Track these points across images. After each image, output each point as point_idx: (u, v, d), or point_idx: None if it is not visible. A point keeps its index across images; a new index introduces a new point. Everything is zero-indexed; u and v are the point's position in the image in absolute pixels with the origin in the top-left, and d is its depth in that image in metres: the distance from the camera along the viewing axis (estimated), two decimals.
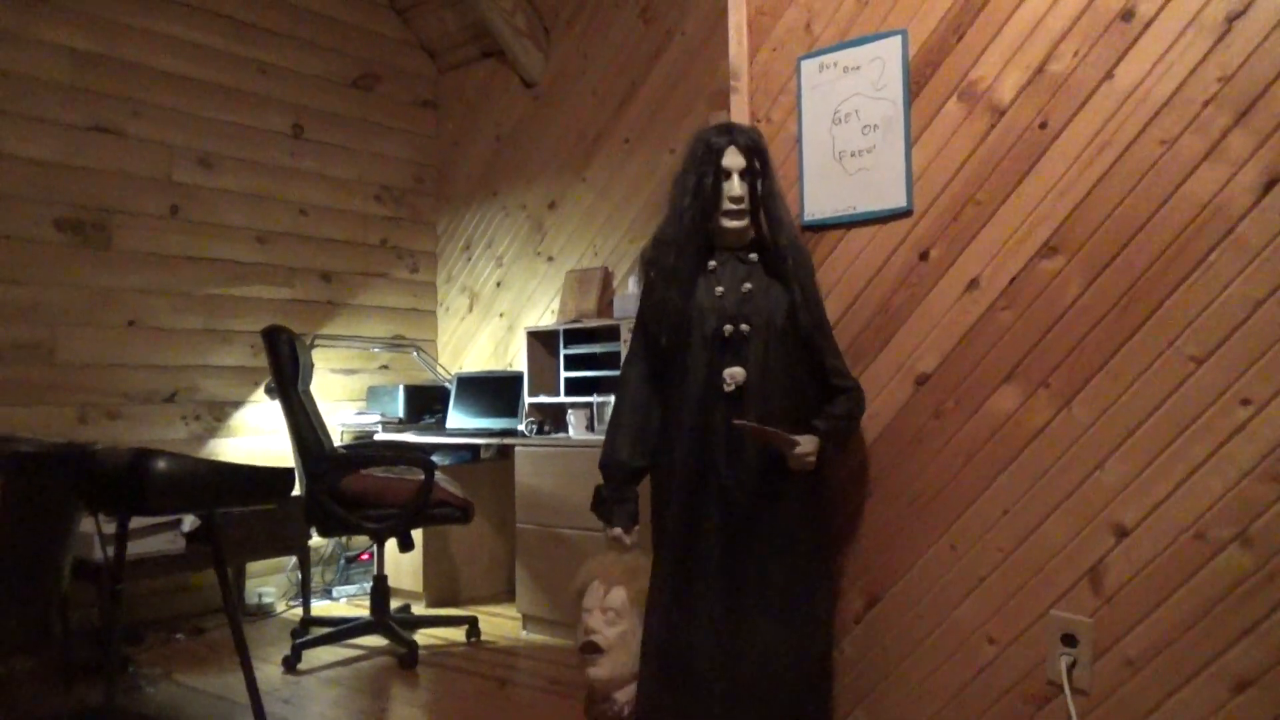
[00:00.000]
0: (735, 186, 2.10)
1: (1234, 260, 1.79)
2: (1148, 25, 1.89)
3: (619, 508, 2.16)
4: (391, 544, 3.45)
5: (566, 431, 3.73)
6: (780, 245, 2.12)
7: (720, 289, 2.12)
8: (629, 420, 2.20)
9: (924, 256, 2.19)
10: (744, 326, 2.09)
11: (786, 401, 2.09)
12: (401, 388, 4.45)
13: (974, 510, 2.10)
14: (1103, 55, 1.94)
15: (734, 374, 2.07)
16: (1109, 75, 1.93)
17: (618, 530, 2.15)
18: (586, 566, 2.19)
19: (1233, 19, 1.80)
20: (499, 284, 4.75)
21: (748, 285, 2.12)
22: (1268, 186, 1.76)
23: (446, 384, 4.53)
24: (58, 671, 3.01)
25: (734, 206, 2.11)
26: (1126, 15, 1.91)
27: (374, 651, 3.44)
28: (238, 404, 4.17)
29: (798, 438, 2.01)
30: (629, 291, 3.89)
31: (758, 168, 2.12)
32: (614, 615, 2.08)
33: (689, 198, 2.11)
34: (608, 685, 2.11)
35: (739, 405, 2.05)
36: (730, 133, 2.13)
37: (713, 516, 2.06)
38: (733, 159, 2.10)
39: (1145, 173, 1.89)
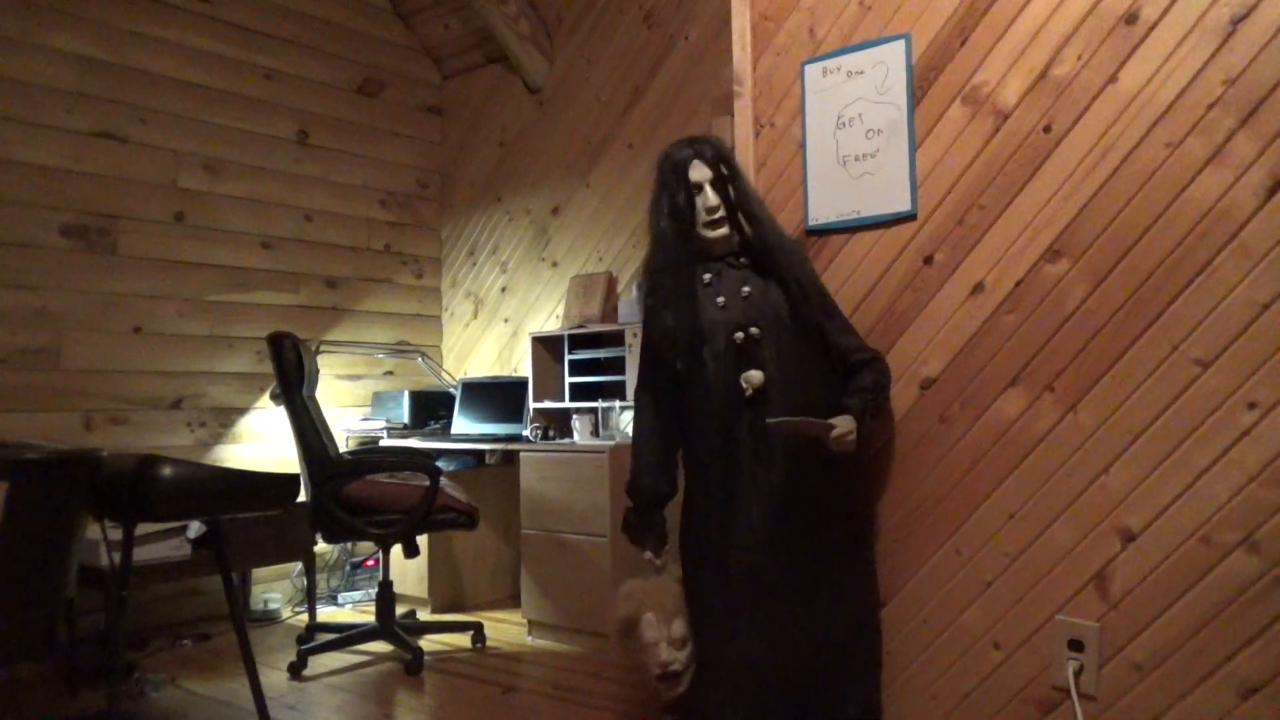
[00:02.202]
0: (709, 197, 2.13)
1: (1239, 264, 1.78)
2: (1151, 28, 1.89)
3: (648, 532, 2.22)
4: (397, 550, 3.45)
5: (571, 437, 3.73)
6: (766, 243, 2.14)
7: (721, 299, 2.13)
8: (649, 447, 2.24)
9: (928, 261, 2.19)
10: (754, 330, 2.10)
11: (809, 395, 2.10)
12: (406, 393, 4.45)
13: (980, 515, 2.10)
14: (1106, 59, 1.94)
15: (751, 378, 2.08)
16: (1113, 79, 1.93)
17: (649, 554, 2.23)
18: (630, 598, 2.29)
19: (1237, 21, 1.79)
20: (504, 289, 4.75)
21: (746, 289, 2.13)
22: (1272, 190, 1.75)
23: (451, 389, 4.53)
24: (63, 677, 3.01)
25: (711, 217, 2.13)
26: (1130, 18, 1.91)
27: (379, 657, 3.43)
28: (243, 410, 4.18)
29: (832, 420, 2.01)
30: (633, 296, 3.89)
31: (725, 174, 2.15)
32: (680, 642, 2.18)
33: (665, 219, 2.15)
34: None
35: (762, 408, 2.06)
36: (692, 146, 2.17)
37: (750, 522, 2.08)
38: (699, 171, 2.14)
39: (1150, 176, 1.89)
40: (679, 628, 2.18)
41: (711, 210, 2.13)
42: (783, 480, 2.07)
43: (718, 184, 2.14)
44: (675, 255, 2.15)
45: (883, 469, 2.26)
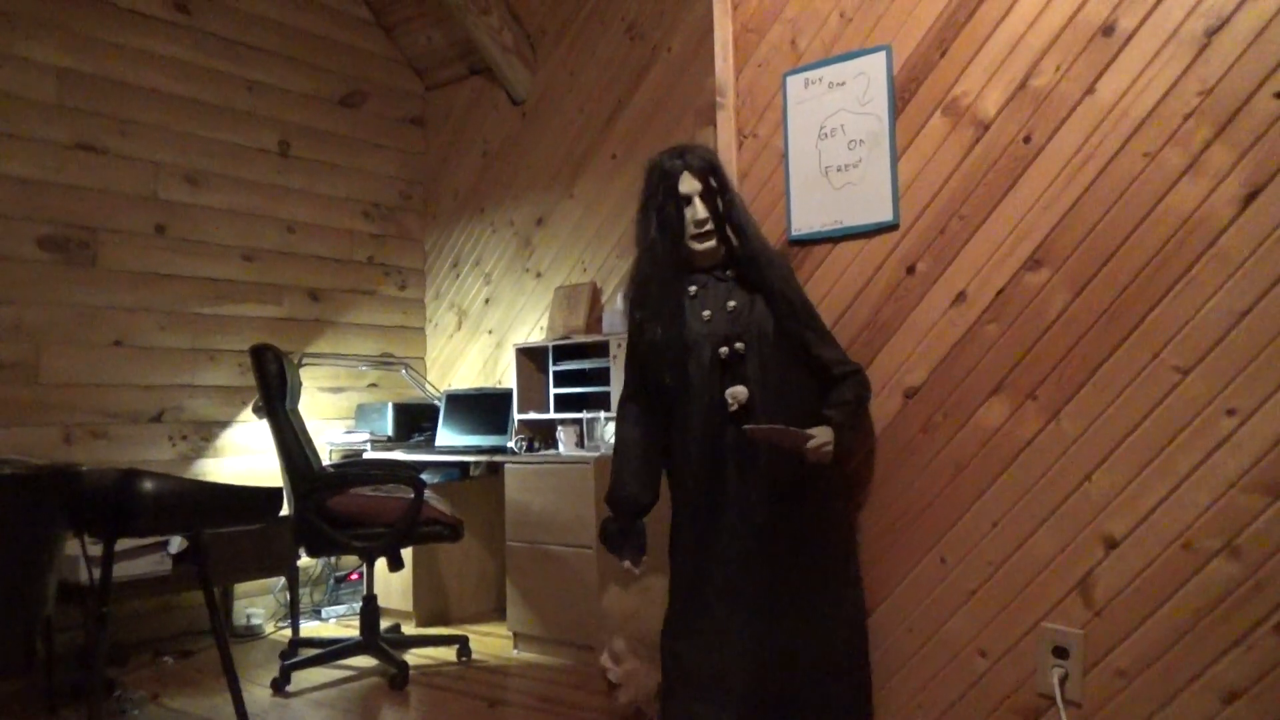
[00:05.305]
0: (698, 210, 2.12)
1: (1217, 272, 1.80)
2: (1128, 40, 1.91)
3: (627, 541, 2.21)
4: (381, 563, 3.43)
5: (556, 448, 3.72)
6: (752, 256, 2.14)
7: (707, 313, 2.13)
8: (633, 456, 2.22)
9: (911, 270, 2.20)
10: (738, 345, 2.10)
11: (794, 409, 2.09)
12: (390, 406, 4.43)
13: (964, 523, 2.10)
14: (1084, 70, 1.96)
15: (736, 394, 2.08)
16: (1090, 90, 1.95)
17: (627, 563, 2.21)
18: (626, 619, 2.36)
19: (1211, 33, 1.82)
20: (487, 301, 4.75)
21: (732, 303, 2.13)
22: (1248, 199, 1.78)
23: (435, 401, 4.51)
24: (42, 695, 2.97)
25: (699, 229, 2.13)
26: (1107, 30, 1.93)
27: (364, 672, 3.41)
28: (225, 423, 4.15)
29: (810, 430, 2.02)
30: (618, 307, 3.89)
31: (714, 186, 2.14)
32: (616, 657, 2.36)
33: (655, 231, 2.14)
34: None
35: (747, 423, 2.06)
36: (682, 157, 2.15)
37: (732, 537, 2.07)
38: (689, 184, 2.13)
39: (1128, 186, 1.90)
40: (619, 644, 2.33)
41: (700, 223, 2.12)
42: (766, 496, 2.07)
43: (707, 196, 2.13)
44: (663, 267, 2.14)
45: (867, 478, 2.27)
